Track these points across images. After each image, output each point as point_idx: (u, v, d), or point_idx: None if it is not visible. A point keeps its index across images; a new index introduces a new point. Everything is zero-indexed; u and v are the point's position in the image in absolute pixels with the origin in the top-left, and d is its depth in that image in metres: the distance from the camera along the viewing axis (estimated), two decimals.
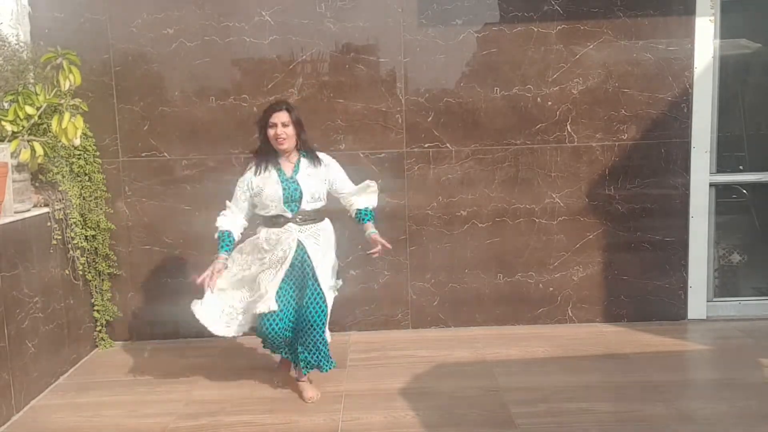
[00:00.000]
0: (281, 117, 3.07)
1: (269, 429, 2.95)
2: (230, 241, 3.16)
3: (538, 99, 4.02)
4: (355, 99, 4.00)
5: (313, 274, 3.11)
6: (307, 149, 3.20)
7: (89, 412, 3.18)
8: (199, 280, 3.12)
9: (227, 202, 3.21)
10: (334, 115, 4.02)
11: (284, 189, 3.08)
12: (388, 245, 3.24)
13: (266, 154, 3.14)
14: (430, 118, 4.03)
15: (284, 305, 3.09)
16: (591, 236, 4.13)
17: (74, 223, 3.65)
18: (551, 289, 4.17)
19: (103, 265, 3.91)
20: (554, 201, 4.11)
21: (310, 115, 3.98)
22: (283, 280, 3.09)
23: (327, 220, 3.27)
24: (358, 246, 4.09)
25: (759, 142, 4.41)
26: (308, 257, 3.12)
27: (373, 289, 4.15)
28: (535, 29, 3.97)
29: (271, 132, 3.08)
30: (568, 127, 4.04)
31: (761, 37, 4.27)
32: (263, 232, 3.15)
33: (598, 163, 4.07)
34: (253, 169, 3.14)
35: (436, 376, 3.45)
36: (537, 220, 4.12)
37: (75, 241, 3.66)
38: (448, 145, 4.06)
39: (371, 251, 3.22)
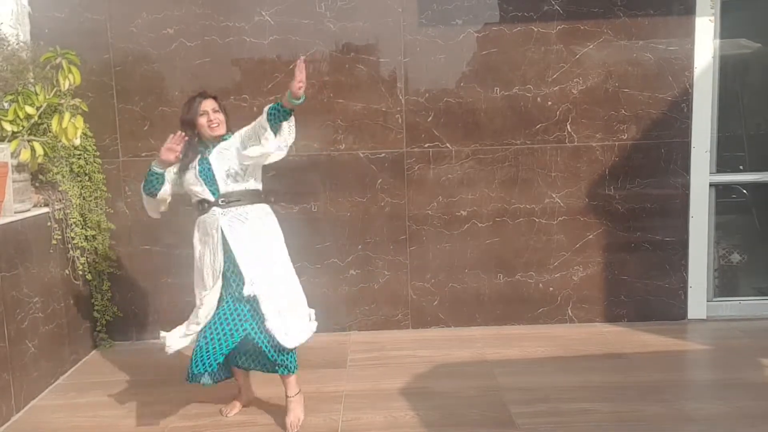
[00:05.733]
0: (210, 104, 2.94)
1: (269, 429, 2.95)
2: (163, 181, 2.96)
3: (538, 99, 4.02)
4: (355, 99, 4.00)
5: (239, 272, 2.82)
6: (228, 134, 2.98)
7: (89, 412, 3.18)
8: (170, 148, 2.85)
9: None
10: (334, 115, 4.02)
11: (200, 170, 2.90)
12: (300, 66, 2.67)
13: (194, 144, 2.96)
14: (430, 118, 4.03)
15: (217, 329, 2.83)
16: (591, 236, 4.13)
17: (74, 223, 3.65)
18: (551, 289, 4.18)
19: (103, 265, 3.91)
20: (554, 201, 4.11)
21: (310, 115, 3.99)
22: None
23: (263, 205, 3.00)
24: (358, 246, 4.11)
25: (759, 142, 4.41)
26: (230, 248, 2.83)
27: (373, 289, 4.15)
28: (535, 29, 3.97)
29: (203, 120, 2.91)
30: (568, 127, 4.05)
31: (761, 37, 4.27)
32: (196, 221, 2.99)
33: (598, 163, 4.07)
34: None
35: (436, 376, 3.45)
36: (537, 220, 4.12)
37: (75, 241, 3.66)
38: (448, 145, 4.06)
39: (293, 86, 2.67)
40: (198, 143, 2.99)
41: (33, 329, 3.27)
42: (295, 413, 2.96)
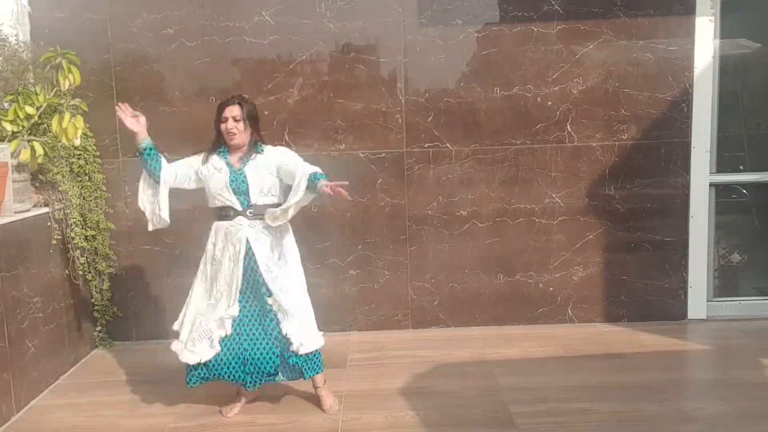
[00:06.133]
0: (233, 111, 2.93)
1: (269, 429, 2.95)
2: (156, 155, 2.98)
3: (538, 99, 4.02)
4: (355, 99, 4.00)
5: (264, 282, 2.92)
6: (260, 144, 3.01)
7: (89, 412, 3.18)
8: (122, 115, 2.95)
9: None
10: (334, 115, 4.02)
11: (231, 180, 2.93)
12: (343, 190, 2.72)
13: (218, 147, 3.02)
14: (430, 118, 4.03)
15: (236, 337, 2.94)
16: (591, 236, 4.13)
17: (74, 223, 3.65)
18: (551, 289, 4.18)
19: (103, 265, 3.91)
20: (554, 201, 4.11)
21: (310, 115, 3.99)
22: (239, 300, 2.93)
23: (285, 223, 3.03)
24: (358, 246, 4.11)
25: (759, 142, 4.41)
26: (255, 260, 2.92)
27: (373, 289, 4.15)
28: (535, 29, 3.97)
29: (222, 126, 2.94)
30: (568, 127, 4.05)
31: (761, 37, 4.27)
32: (214, 225, 3.03)
33: (598, 163, 4.07)
34: (203, 156, 3.03)
35: (436, 376, 3.45)
36: (537, 220, 4.12)
37: (75, 241, 3.66)
38: (448, 145, 4.06)
39: (329, 189, 2.72)
40: (224, 147, 3.01)
41: (33, 329, 3.27)
42: (330, 399, 3.11)
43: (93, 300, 3.91)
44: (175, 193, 4.03)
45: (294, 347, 2.94)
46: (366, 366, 3.63)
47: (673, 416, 2.91)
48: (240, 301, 2.94)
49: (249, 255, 2.94)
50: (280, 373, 3.01)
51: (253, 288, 2.95)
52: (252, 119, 2.99)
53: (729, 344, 3.81)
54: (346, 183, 2.74)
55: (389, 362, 3.66)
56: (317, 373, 3.06)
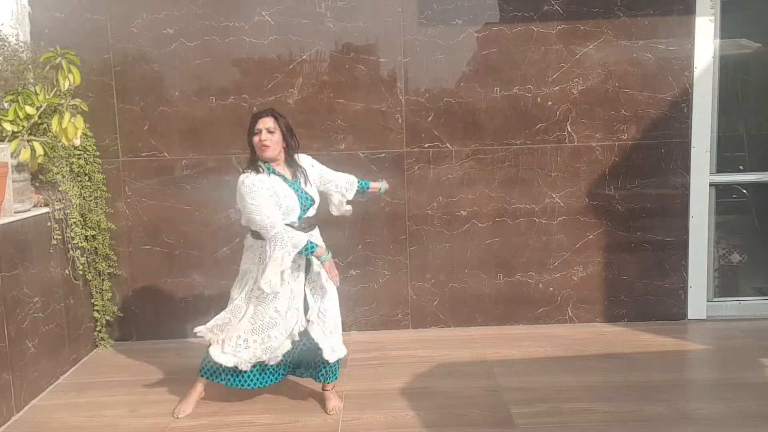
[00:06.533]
0: (266, 123, 2.89)
1: (269, 429, 2.95)
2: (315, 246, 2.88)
3: (538, 99, 4.02)
4: (355, 99, 4.00)
5: (321, 287, 3.05)
6: (293, 158, 3.01)
7: (89, 412, 3.18)
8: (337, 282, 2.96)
9: (271, 221, 2.79)
10: (334, 115, 4.02)
11: (299, 198, 2.93)
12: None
13: (258, 162, 2.93)
14: (430, 118, 4.03)
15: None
16: (591, 236, 4.13)
17: (74, 223, 3.65)
18: (551, 289, 4.18)
19: (103, 265, 3.91)
20: (554, 201, 4.11)
21: (310, 115, 3.99)
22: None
23: (316, 228, 3.14)
24: (358, 246, 4.11)
25: (759, 142, 4.41)
26: (312, 267, 3.03)
27: (373, 289, 4.15)
28: (535, 29, 3.97)
29: (255, 139, 2.89)
30: (568, 127, 4.05)
31: (761, 37, 4.27)
32: (261, 243, 2.93)
33: (598, 163, 4.07)
34: (257, 174, 2.87)
35: (436, 376, 3.45)
36: (537, 220, 4.12)
37: (75, 241, 3.66)
38: (448, 145, 4.06)
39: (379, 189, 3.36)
40: (262, 164, 2.94)
41: (33, 329, 3.27)
42: (336, 401, 3.14)
43: (93, 300, 3.91)
44: (174, 194, 4.05)
45: (326, 354, 3.01)
46: (366, 366, 3.63)
47: (673, 416, 2.92)
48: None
49: (309, 269, 3.03)
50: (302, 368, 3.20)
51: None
52: (287, 132, 2.96)
53: (729, 344, 3.81)
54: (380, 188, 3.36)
55: (389, 362, 3.67)
56: (335, 379, 3.16)
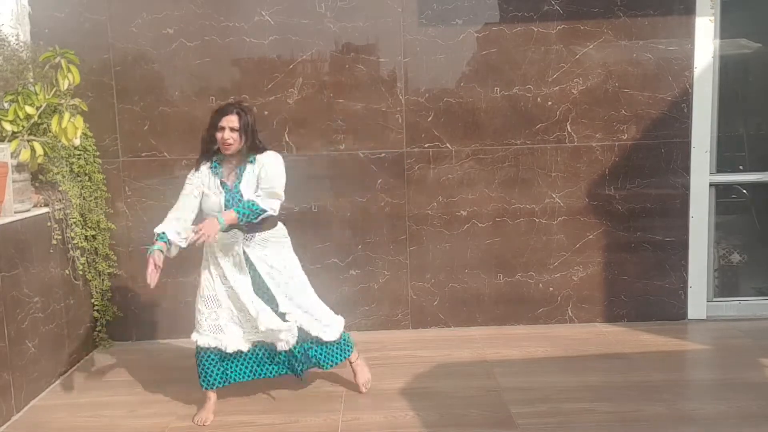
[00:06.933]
0: (231, 121, 2.87)
1: (269, 429, 2.95)
2: (163, 238, 2.88)
3: (538, 99, 4.02)
4: (355, 99, 4.00)
5: (267, 290, 3.00)
6: (255, 153, 2.97)
7: (89, 412, 3.18)
8: (148, 280, 2.85)
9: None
10: (334, 115, 4.02)
11: (226, 200, 2.91)
12: (199, 235, 2.78)
13: (209, 155, 2.97)
14: (430, 118, 4.03)
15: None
16: (591, 236, 4.13)
17: (74, 223, 3.65)
18: (551, 289, 4.18)
19: (103, 265, 3.91)
20: (554, 201, 4.11)
21: (310, 115, 3.99)
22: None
23: (279, 226, 3.08)
24: (358, 246, 4.11)
25: (759, 142, 4.41)
26: (257, 270, 2.98)
27: (373, 289, 4.15)
28: (535, 29, 3.97)
29: (218, 135, 2.88)
30: (568, 127, 4.05)
31: (761, 37, 4.27)
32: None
33: (598, 163, 4.07)
34: (194, 172, 2.98)
35: (436, 376, 3.45)
36: (537, 220, 4.12)
37: (75, 241, 3.66)
38: (448, 145, 4.06)
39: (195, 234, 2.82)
40: (216, 158, 2.98)
41: (33, 329, 3.27)
42: (364, 374, 3.28)
43: (93, 300, 3.91)
44: (174, 194, 4.04)
45: (325, 337, 3.06)
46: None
47: (673, 416, 2.91)
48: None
49: (250, 265, 2.99)
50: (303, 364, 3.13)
51: (264, 294, 3.01)
52: (248, 130, 2.91)
53: (729, 344, 3.81)
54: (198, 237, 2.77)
55: (389, 362, 3.66)
56: (349, 354, 3.23)
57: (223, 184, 2.95)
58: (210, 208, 2.95)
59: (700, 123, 4.05)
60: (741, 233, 4.41)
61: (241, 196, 2.92)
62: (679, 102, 4.03)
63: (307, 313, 3.06)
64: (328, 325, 3.11)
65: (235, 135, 2.89)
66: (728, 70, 4.15)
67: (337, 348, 3.18)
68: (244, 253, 2.96)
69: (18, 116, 3.23)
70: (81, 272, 3.73)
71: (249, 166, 2.96)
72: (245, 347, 3.00)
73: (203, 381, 3.02)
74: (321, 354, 3.14)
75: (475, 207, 4.10)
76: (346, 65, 3.99)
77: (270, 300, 3.00)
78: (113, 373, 3.66)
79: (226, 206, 2.90)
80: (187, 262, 4.06)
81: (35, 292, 3.31)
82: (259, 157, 2.97)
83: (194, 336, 3.00)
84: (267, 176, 2.93)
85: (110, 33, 3.91)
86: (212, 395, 3.07)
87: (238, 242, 2.96)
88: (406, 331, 4.17)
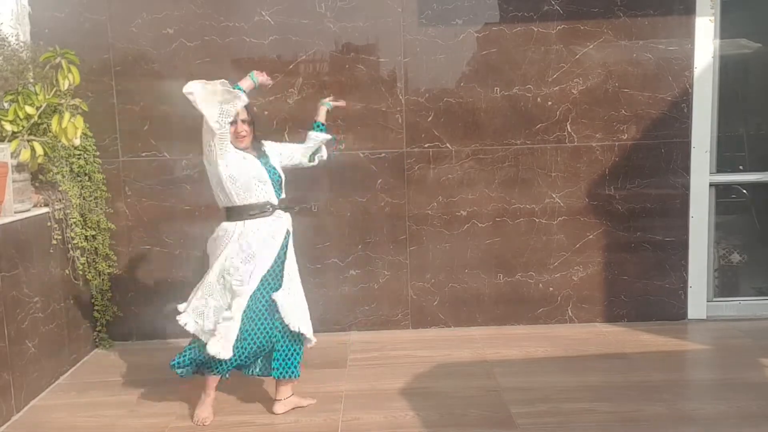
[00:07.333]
0: (242, 114, 2.94)
1: (269, 429, 2.95)
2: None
3: (538, 99, 4.02)
4: (355, 99, 4.00)
5: (290, 273, 3.04)
6: (259, 141, 3.10)
7: (89, 412, 3.18)
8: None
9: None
10: (334, 115, 4.00)
11: (268, 171, 2.99)
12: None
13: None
14: (430, 118, 4.03)
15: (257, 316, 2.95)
16: (591, 236, 4.13)
17: (74, 223, 3.65)
18: (551, 289, 4.18)
19: (103, 265, 3.90)
20: (554, 201, 4.11)
21: (310, 115, 3.98)
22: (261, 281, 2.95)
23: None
24: (358, 246, 4.11)
25: (759, 142, 4.41)
26: (285, 253, 3.03)
27: (373, 289, 4.15)
28: (535, 29, 3.97)
29: (232, 128, 2.91)
30: (568, 127, 4.05)
31: (761, 37, 4.27)
32: (247, 225, 2.92)
33: (598, 163, 4.07)
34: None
35: (436, 376, 3.45)
36: (537, 220, 4.12)
37: (75, 241, 3.66)
38: (448, 145, 4.06)
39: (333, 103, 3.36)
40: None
41: (33, 329, 3.27)
42: (288, 400, 3.10)
43: (93, 300, 3.91)
44: (174, 194, 4.05)
45: (293, 326, 2.97)
46: (366, 366, 3.63)
47: (673, 416, 2.91)
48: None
49: (281, 255, 3.02)
50: (260, 363, 3.08)
51: (272, 278, 2.99)
52: (255, 121, 3.07)
53: (729, 344, 3.81)
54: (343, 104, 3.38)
55: (389, 362, 3.67)
56: (290, 377, 3.03)
57: (262, 161, 3.01)
58: (255, 178, 2.92)
59: (700, 123, 4.05)
60: (741, 233, 4.41)
61: (276, 169, 3.03)
62: (679, 102, 4.03)
63: (297, 307, 3.06)
64: (301, 326, 3.03)
65: (247, 127, 2.97)
66: (728, 70, 4.15)
67: (296, 359, 3.06)
68: (287, 234, 3.03)
69: (18, 116, 3.23)
70: (81, 272, 3.73)
71: (266, 150, 3.07)
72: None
73: (217, 367, 2.97)
74: (282, 360, 3.03)
75: (475, 207, 4.10)
76: (346, 65, 3.99)
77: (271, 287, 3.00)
78: (113, 373, 3.66)
79: (272, 180, 2.99)
80: (187, 262, 4.07)
81: (35, 292, 3.31)
82: (266, 144, 3.13)
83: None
84: (284, 146, 3.22)
85: (110, 33, 3.91)
86: (212, 391, 3.05)
87: (283, 221, 3.02)
88: (406, 331, 4.17)
